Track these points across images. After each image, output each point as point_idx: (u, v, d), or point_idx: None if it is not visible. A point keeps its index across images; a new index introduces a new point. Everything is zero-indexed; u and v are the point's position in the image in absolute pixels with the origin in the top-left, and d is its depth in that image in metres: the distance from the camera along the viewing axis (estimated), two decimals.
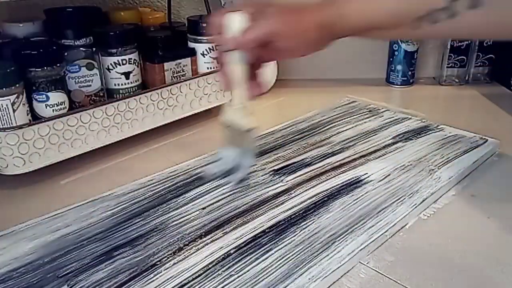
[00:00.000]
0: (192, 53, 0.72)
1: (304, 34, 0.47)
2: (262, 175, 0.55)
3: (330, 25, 0.47)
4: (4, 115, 0.53)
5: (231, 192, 0.52)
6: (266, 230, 0.45)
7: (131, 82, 0.66)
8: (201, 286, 0.38)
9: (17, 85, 0.53)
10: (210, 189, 0.53)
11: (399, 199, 0.50)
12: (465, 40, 0.45)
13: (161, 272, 0.40)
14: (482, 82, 0.91)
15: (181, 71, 0.71)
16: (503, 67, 0.90)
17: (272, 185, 0.53)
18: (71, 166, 0.60)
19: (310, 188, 0.52)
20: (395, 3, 0.44)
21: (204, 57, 0.73)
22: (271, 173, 0.56)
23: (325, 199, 0.50)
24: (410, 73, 0.89)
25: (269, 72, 0.85)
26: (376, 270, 0.41)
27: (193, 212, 0.48)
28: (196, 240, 0.44)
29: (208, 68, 0.73)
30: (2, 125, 0.53)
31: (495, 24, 0.40)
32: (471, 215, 0.49)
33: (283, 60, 0.89)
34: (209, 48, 0.72)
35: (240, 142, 0.52)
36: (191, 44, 0.73)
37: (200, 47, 0.72)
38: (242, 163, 0.53)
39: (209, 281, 0.39)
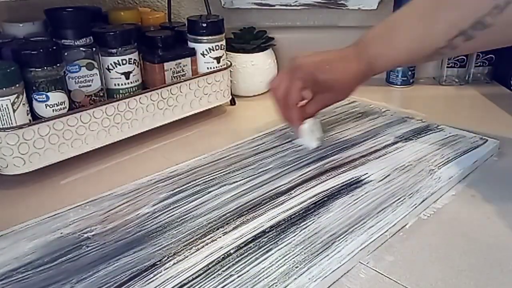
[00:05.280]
0: (192, 53, 0.72)
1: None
2: (263, 175, 0.55)
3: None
4: (4, 115, 0.53)
5: (231, 192, 0.52)
6: (266, 230, 0.45)
7: (131, 82, 0.66)
8: (201, 286, 0.38)
9: (17, 85, 0.53)
10: (210, 189, 0.53)
11: (399, 199, 0.50)
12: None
13: (161, 272, 0.40)
14: (482, 82, 0.91)
15: (181, 71, 0.71)
16: (503, 67, 0.90)
17: (272, 186, 0.53)
18: (71, 166, 0.60)
19: (310, 188, 0.52)
20: (410, 43, 0.54)
21: (204, 57, 0.73)
22: (271, 173, 0.56)
23: (325, 199, 0.50)
24: (410, 73, 0.89)
25: (268, 72, 0.85)
26: (376, 270, 0.41)
27: (193, 212, 0.48)
28: (196, 240, 0.44)
29: (208, 68, 0.74)
30: (2, 125, 0.53)
31: (502, 38, 0.51)
32: (471, 215, 0.49)
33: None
34: (209, 48, 0.72)
35: None
36: (191, 44, 0.73)
37: (200, 47, 0.72)
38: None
39: (209, 281, 0.39)
